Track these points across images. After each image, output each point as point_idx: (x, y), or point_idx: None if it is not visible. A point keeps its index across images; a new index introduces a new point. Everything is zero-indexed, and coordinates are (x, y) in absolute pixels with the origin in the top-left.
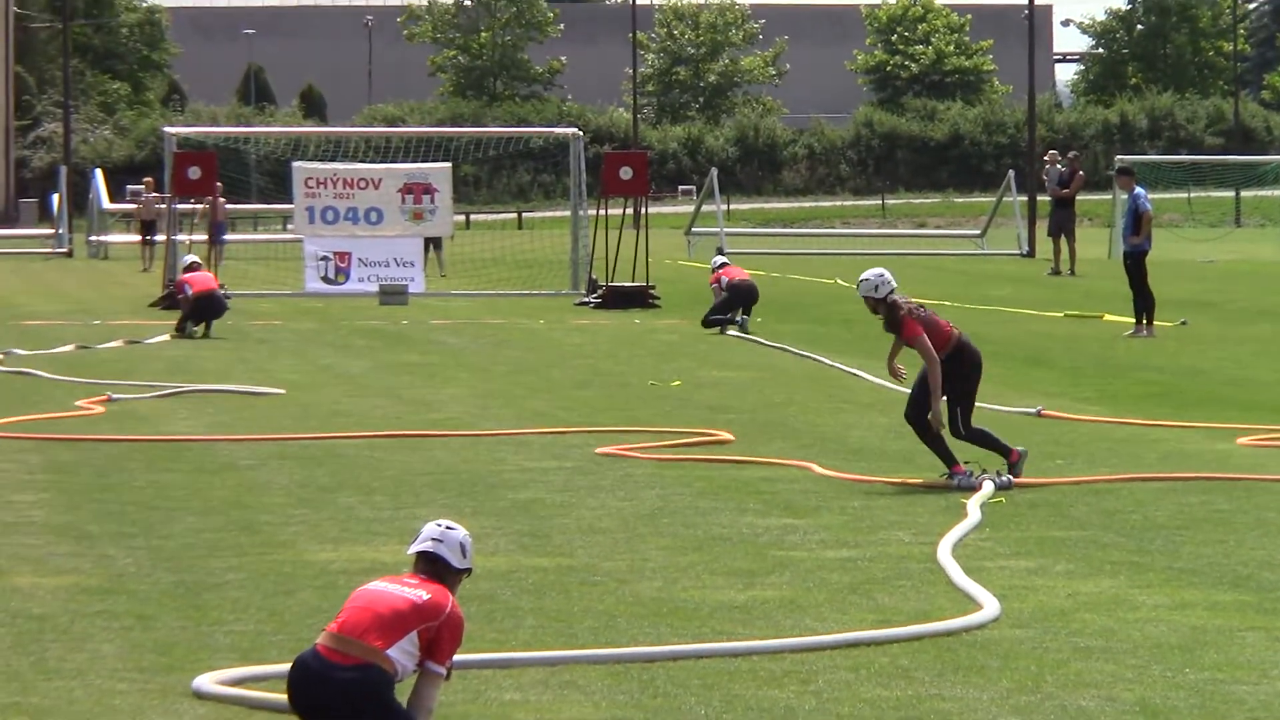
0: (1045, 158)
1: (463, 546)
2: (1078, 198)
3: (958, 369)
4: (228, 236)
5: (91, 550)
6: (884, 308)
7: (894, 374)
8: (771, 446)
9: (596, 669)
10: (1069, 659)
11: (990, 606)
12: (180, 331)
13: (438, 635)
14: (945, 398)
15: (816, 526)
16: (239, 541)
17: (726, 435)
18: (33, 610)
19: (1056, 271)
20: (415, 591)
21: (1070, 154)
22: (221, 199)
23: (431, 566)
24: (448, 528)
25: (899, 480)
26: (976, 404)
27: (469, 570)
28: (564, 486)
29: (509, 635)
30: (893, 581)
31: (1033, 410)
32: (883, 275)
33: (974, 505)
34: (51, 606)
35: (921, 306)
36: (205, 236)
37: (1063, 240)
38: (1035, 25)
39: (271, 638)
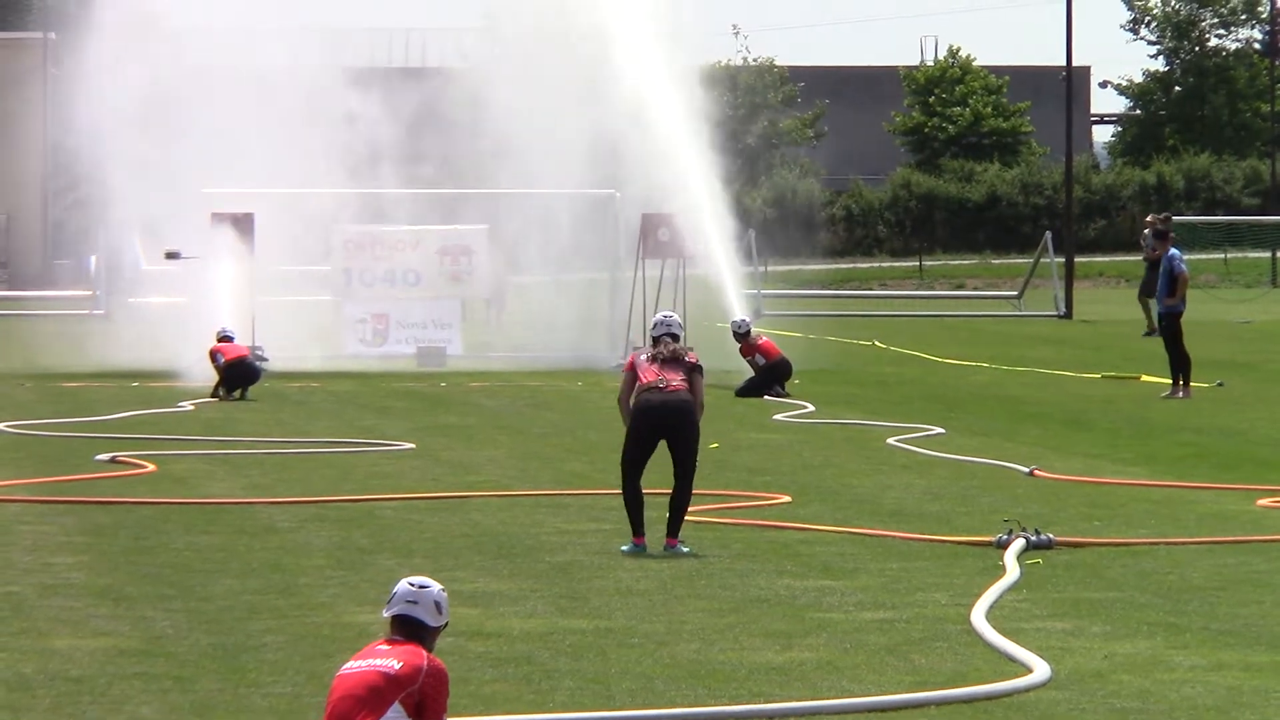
0: (1147, 220)
1: (438, 604)
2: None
3: None
4: None
5: (130, 612)
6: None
7: None
8: (810, 509)
9: None
10: None
11: (1041, 669)
12: (215, 397)
13: (422, 696)
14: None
15: (854, 588)
16: (277, 604)
17: (784, 498)
18: (71, 672)
19: (1151, 332)
20: (386, 662)
21: (1162, 215)
22: None
23: (407, 628)
24: (420, 587)
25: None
26: (971, 459)
27: (445, 625)
28: (601, 549)
29: (546, 697)
30: (930, 643)
31: (1025, 470)
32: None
33: (1011, 562)
34: (90, 668)
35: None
36: None
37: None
38: (1073, 87)
39: (310, 700)
